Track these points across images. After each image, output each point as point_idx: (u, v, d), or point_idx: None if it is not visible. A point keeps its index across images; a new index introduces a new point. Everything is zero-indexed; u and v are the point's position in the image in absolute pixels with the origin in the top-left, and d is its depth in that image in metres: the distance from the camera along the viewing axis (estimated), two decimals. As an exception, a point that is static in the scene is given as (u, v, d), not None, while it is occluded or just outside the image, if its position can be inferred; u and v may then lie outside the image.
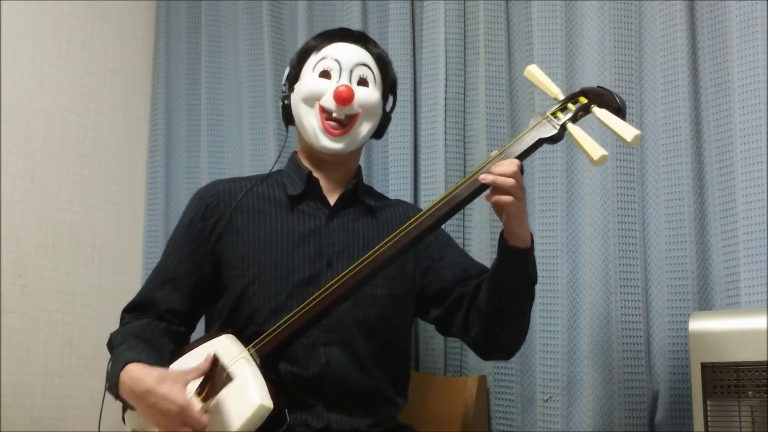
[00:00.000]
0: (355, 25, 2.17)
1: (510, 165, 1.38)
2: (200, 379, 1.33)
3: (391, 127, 2.12)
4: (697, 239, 1.81)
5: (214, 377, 1.33)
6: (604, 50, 1.91)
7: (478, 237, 2.01)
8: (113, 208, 2.33)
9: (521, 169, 1.40)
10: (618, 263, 1.83)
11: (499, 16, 2.08)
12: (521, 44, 2.06)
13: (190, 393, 1.31)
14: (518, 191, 1.39)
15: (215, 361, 1.33)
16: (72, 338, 2.17)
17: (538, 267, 1.93)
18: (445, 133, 2.05)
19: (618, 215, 1.85)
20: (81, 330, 2.19)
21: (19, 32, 2.12)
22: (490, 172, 1.38)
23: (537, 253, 1.94)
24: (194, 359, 1.43)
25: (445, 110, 2.06)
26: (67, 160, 2.21)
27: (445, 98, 2.06)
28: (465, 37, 2.10)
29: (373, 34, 2.23)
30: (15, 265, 2.05)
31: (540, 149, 1.94)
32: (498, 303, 1.50)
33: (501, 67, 2.05)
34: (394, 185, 2.09)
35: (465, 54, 2.10)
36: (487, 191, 1.41)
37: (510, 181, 1.38)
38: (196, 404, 1.29)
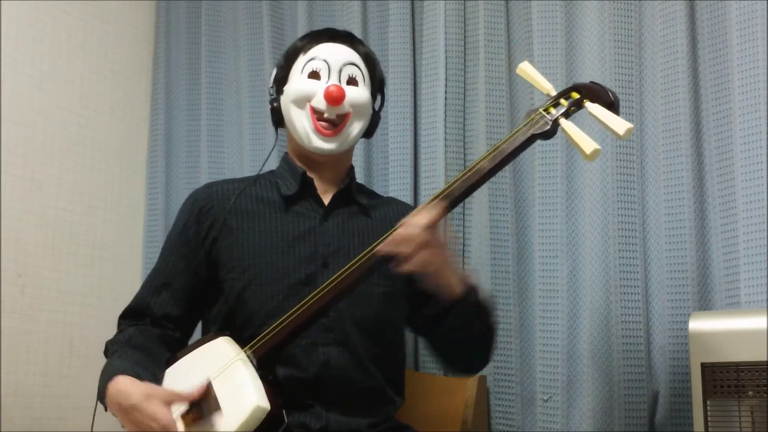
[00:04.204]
0: (356, 26, 2.17)
1: (408, 228, 1.33)
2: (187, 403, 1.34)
3: (391, 127, 2.13)
4: (697, 239, 1.81)
5: (204, 404, 1.32)
6: (604, 50, 1.91)
7: (477, 236, 2.01)
8: (113, 208, 2.33)
9: (446, 209, 1.34)
10: (618, 263, 1.83)
11: (499, 16, 2.07)
12: (521, 44, 2.06)
13: (175, 413, 1.31)
14: (423, 255, 1.34)
15: (208, 389, 1.33)
16: (72, 338, 2.17)
17: (538, 267, 1.95)
18: (445, 133, 2.05)
19: (618, 215, 1.85)
20: (81, 330, 2.19)
21: (19, 32, 2.12)
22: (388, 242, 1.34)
23: (537, 253, 1.96)
24: (190, 363, 1.43)
25: (445, 110, 2.06)
26: (67, 160, 2.21)
27: (445, 98, 2.06)
28: (465, 37, 2.10)
29: (373, 34, 2.23)
30: (15, 265, 2.05)
31: (540, 149, 1.98)
32: (451, 338, 1.55)
33: (501, 67, 2.05)
34: (394, 185, 2.09)
35: (465, 54, 2.10)
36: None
37: (405, 249, 1.33)
38: (179, 427, 1.29)
